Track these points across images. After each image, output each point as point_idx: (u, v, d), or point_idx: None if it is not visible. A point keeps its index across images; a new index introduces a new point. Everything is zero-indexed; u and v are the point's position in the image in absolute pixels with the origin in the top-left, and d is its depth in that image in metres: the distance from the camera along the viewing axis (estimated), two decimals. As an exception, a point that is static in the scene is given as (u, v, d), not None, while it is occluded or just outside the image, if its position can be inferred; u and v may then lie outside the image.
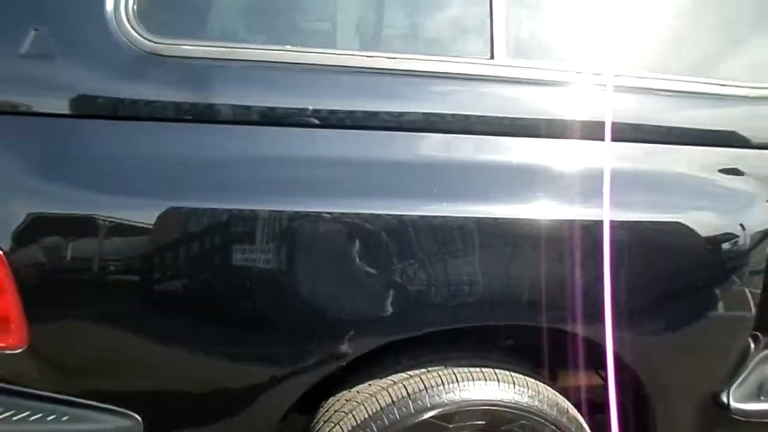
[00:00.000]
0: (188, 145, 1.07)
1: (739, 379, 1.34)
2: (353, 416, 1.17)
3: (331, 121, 1.11)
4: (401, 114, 1.15)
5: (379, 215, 1.07)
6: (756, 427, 1.34)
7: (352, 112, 1.13)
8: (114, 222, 1.02)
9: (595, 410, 1.35)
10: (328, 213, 1.06)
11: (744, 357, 1.34)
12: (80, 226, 1.03)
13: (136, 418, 1.08)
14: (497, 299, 1.14)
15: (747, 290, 1.28)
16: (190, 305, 1.07)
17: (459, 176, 1.15)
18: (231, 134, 1.08)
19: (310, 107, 1.08)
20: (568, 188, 1.18)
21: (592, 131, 1.18)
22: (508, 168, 1.17)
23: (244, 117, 1.08)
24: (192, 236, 1.03)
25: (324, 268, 1.08)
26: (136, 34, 1.06)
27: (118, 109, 1.06)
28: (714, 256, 1.26)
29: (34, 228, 1.02)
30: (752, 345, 1.35)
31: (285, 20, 1.21)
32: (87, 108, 1.06)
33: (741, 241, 1.25)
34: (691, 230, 1.21)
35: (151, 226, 1.02)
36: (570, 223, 1.15)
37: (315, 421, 1.22)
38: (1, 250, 1.00)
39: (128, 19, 1.06)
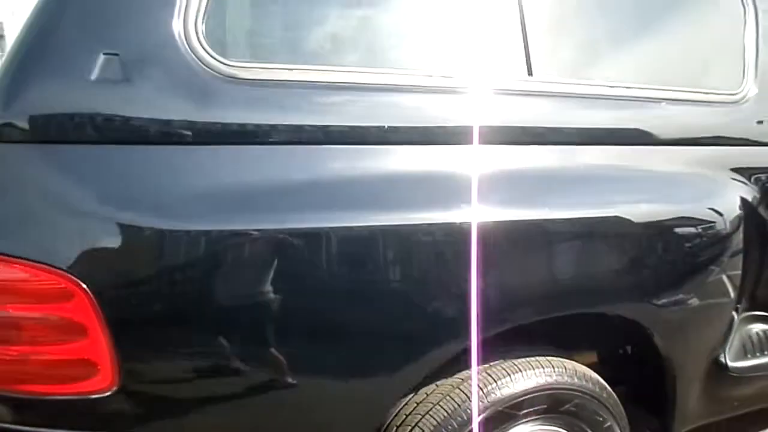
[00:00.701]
0: (273, 165, 1.07)
1: (729, 343, 1.56)
2: (432, 416, 1.22)
3: (400, 137, 1.17)
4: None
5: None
6: (748, 381, 1.57)
7: (416, 128, 1.19)
8: (210, 247, 1.00)
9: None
10: (414, 224, 1.11)
11: (731, 325, 1.57)
12: (170, 254, 1.00)
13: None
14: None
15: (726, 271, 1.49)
16: (317, 327, 1.07)
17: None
18: (311, 153, 1.10)
19: (386, 125, 1.13)
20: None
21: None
22: None
23: (324, 137, 1.11)
24: (294, 256, 1.04)
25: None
26: (210, 58, 1.05)
27: (198, 135, 1.04)
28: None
29: (121, 260, 0.98)
30: (735, 315, 1.58)
31: (353, 42, 1.25)
32: (165, 134, 1.03)
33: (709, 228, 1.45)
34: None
35: (252, 250, 1.02)
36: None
37: (391, 420, 1.25)
38: (85, 285, 0.95)
39: (199, 42, 1.05)
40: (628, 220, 1.31)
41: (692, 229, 1.40)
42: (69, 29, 1.00)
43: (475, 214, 1.10)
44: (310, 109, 1.11)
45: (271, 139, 1.07)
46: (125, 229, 0.98)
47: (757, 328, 1.63)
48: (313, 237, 1.05)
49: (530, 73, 1.31)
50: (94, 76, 0.99)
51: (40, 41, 0.99)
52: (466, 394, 1.23)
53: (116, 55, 1.00)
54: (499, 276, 1.19)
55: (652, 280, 1.36)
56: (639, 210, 1.33)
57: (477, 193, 1.10)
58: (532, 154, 1.29)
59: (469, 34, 1.29)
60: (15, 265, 0.94)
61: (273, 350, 1.04)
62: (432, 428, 1.20)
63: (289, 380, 1.06)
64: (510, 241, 1.20)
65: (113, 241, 0.98)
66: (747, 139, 1.62)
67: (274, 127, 1.08)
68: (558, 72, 1.38)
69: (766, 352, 1.61)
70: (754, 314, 1.63)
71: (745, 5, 1.65)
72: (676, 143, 1.49)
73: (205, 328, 1.02)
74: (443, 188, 1.16)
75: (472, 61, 1.27)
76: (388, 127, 1.13)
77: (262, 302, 1.03)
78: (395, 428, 1.24)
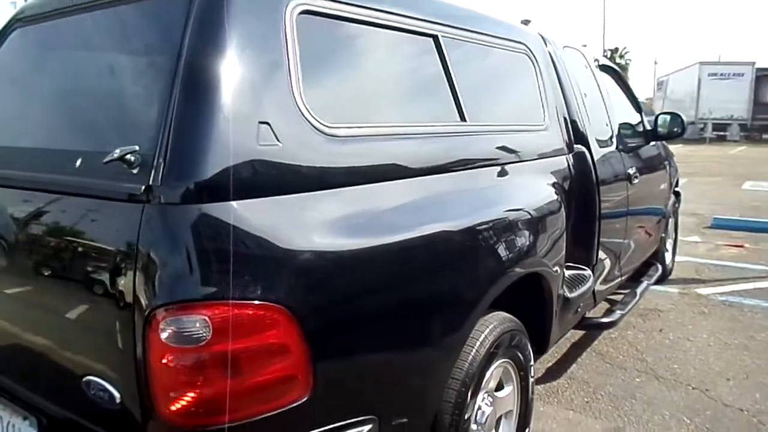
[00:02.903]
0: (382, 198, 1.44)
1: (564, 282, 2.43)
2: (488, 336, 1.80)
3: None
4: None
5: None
6: (572, 306, 2.47)
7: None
8: (368, 262, 1.36)
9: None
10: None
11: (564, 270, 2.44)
12: (347, 271, 1.31)
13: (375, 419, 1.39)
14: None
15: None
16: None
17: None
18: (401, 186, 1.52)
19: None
20: None
21: None
22: None
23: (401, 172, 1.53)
24: (406, 262, 1.42)
25: None
26: (317, 122, 1.34)
27: (323, 178, 1.34)
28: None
29: (311, 283, 1.24)
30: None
31: (406, 104, 1.63)
32: (309, 179, 1.31)
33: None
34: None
35: (387, 259, 1.39)
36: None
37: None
38: (289, 308, 1.17)
39: (309, 111, 1.33)
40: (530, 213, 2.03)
41: (547, 215, 2.19)
42: (237, 105, 1.19)
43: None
44: (374, 153, 1.50)
45: (366, 178, 1.44)
46: (310, 258, 1.24)
47: (570, 272, 2.55)
48: (437, 236, 1.56)
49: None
50: (260, 142, 1.21)
51: (214, 119, 1.15)
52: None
53: (267, 123, 1.23)
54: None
55: (543, 248, 2.10)
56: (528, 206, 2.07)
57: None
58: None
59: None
60: (239, 308, 1.12)
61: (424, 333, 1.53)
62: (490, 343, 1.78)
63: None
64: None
65: (303, 269, 1.23)
66: (548, 153, 2.51)
67: (364, 168, 1.45)
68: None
69: (578, 287, 2.53)
70: (569, 264, 2.54)
71: (533, 61, 2.53)
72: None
73: (377, 326, 1.35)
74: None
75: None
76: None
77: (422, 292, 1.49)
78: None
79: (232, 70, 1.21)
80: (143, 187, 1.11)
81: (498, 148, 2.08)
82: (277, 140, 1.25)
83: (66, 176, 1.27)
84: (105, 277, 1.17)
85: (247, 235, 1.17)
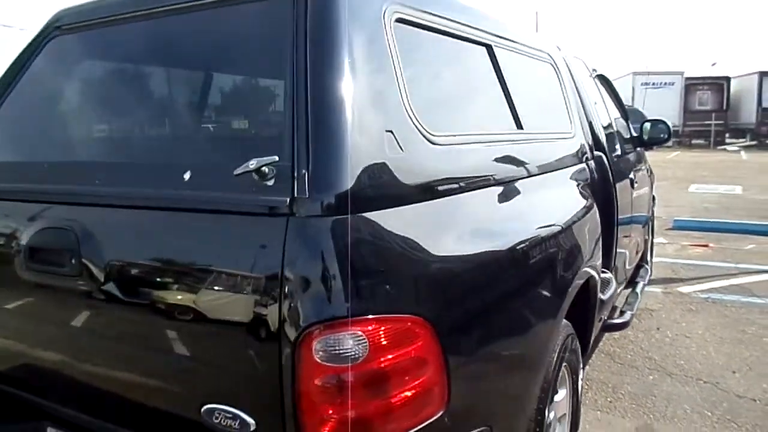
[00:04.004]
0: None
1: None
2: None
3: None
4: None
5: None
6: (605, 306, 2.52)
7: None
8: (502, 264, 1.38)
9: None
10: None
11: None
12: (470, 277, 1.29)
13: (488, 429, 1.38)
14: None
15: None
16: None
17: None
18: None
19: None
20: None
21: None
22: None
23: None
24: (516, 268, 1.42)
25: None
26: (426, 132, 1.32)
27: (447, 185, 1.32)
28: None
29: (445, 288, 1.21)
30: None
31: (481, 112, 1.62)
32: (433, 187, 1.29)
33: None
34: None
35: (501, 266, 1.40)
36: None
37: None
38: (427, 319, 1.13)
39: (418, 122, 1.31)
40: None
41: (591, 220, 2.24)
42: (367, 114, 1.15)
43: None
44: (468, 161, 1.49)
45: (469, 186, 1.42)
46: (441, 267, 1.22)
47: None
48: (538, 241, 1.61)
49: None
50: (387, 150, 1.17)
51: (351, 128, 1.12)
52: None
53: (391, 132, 1.20)
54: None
55: (593, 252, 2.13)
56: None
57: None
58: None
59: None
60: (390, 322, 1.07)
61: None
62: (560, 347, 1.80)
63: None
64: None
65: (436, 278, 1.20)
66: (578, 160, 2.56)
67: (465, 175, 1.44)
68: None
69: (607, 290, 2.58)
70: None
71: (556, 70, 2.59)
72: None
73: (494, 334, 1.33)
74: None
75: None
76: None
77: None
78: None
79: (358, 79, 1.18)
80: (288, 200, 1.06)
81: (546, 156, 2.11)
82: (401, 149, 1.22)
83: (175, 191, 1.18)
84: (240, 295, 1.10)
85: (390, 245, 1.13)
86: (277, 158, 1.07)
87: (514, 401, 1.51)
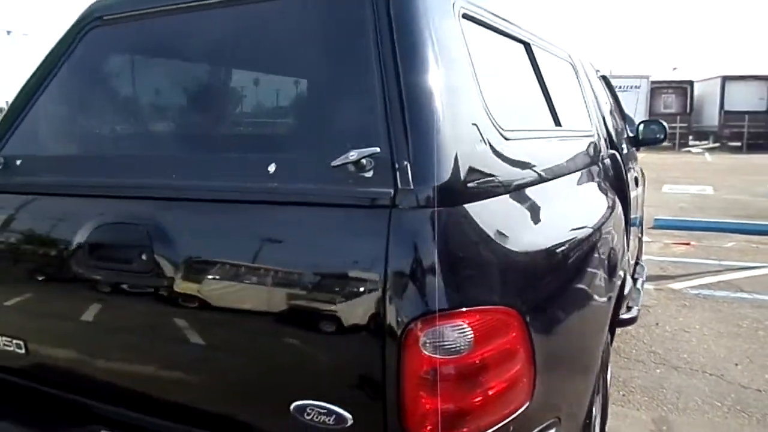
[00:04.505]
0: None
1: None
2: None
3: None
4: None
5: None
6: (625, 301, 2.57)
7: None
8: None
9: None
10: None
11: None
12: (549, 267, 1.31)
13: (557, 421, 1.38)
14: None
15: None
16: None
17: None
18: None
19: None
20: None
21: None
22: None
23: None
24: (585, 257, 1.46)
25: None
26: (501, 129, 1.33)
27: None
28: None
29: (531, 279, 1.23)
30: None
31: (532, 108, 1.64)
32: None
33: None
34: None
35: (575, 257, 1.44)
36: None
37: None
38: (518, 310, 1.13)
39: (495, 121, 1.32)
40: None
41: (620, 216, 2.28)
42: (458, 106, 1.15)
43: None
44: (533, 154, 1.51)
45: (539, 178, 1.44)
46: (527, 257, 1.24)
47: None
48: (601, 232, 1.66)
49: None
50: (477, 143, 1.18)
51: (447, 119, 1.11)
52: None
53: (476, 125, 1.21)
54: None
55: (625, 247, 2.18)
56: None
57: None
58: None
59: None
60: (491, 313, 1.07)
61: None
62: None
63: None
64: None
65: (524, 269, 1.22)
66: (600, 157, 2.61)
67: (534, 167, 1.46)
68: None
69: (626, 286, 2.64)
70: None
71: (574, 69, 2.63)
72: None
73: (568, 323, 1.34)
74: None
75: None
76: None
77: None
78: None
79: (445, 72, 1.18)
80: (392, 191, 1.05)
81: (580, 152, 2.14)
82: (485, 141, 1.23)
83: (262, 183, 1.15)
84: (338, 289, 1.08)
85: (486, 237, 1.13)
86: (378, 149, 1.06)
87: (578, 394, 1.53)
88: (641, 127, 4.20)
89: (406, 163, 1.06)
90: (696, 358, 3.37)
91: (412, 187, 1.05)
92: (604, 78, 3.83)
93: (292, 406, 1.14)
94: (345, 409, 1.10)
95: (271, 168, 1.16)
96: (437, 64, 1.17)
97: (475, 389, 1.07)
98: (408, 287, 1.03)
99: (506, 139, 1.36)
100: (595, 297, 1.56)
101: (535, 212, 1.36)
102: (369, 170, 1.07)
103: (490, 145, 1.25)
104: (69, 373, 1.46)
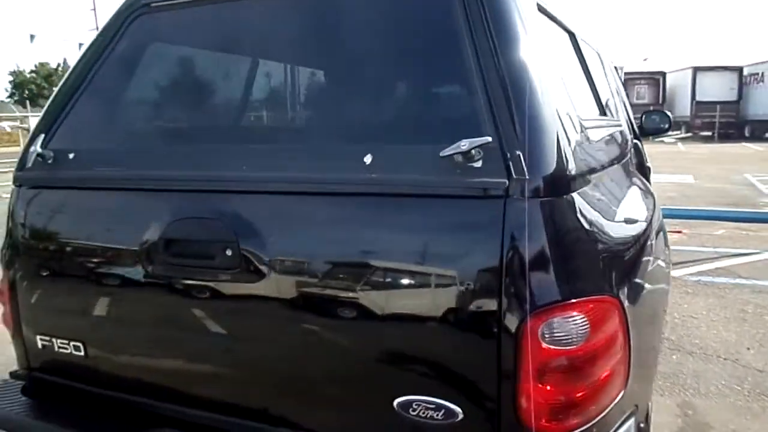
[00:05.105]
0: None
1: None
2: None
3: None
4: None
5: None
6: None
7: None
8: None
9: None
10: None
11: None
12: (635, 255, 1.33)
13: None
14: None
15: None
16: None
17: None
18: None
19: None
20: None
21: None
22: None
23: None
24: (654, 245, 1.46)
25: None
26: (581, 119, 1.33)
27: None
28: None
29: (626, 268, 1.24)
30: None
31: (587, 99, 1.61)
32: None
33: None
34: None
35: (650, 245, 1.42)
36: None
37: None
38: (618, 299, 1.13)
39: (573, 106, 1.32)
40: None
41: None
42: (556, 94, 1.14)
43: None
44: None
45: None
46: (623, 246, 1.26)
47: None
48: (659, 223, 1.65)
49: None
50: (573, 133, 1.17)
51: (553, 109, 1.10)
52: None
53: (569, 115, 1.20)
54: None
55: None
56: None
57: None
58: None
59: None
60: (602, 303, 1.07)
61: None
62: None
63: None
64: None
65: (621, 258, 1.22)
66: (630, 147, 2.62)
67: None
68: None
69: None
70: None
71: (600, 59, 2.64)
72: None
73: (647, 310, 1.35)
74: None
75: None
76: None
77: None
78: None
79: (540, 62, 1.16)
80: (506, 181, 1.03)
81: (621, 140, 2.15)
82: (578, 130, 1.22)
83: (360, 175, 1.12)
84: (449, 282, 1.05)
85: (591, 225, 1.12)
86: (490, 139, 1.04)
87: (648, 381, 1.54)
88: (644, 117, 4.25)
89: (518, 152, 1.04)
90: (708, 344, 3.44)
91: (527, 176, 1.03)
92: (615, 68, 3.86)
93: (395, 402, 1.12)
94: (454, 404, 1.08)
95: (368, 159, 1.13)
96: (531, 54, 1.15)
97: (587, 379, 1.07)
98: (525, 279, 1.02)
99: (584, 128, 1.35)
100: (664, 280, 1.58)
101: (616, 200, 1.36)
102: (478, 160, 1.05)
103: (581, 134, 1.25)
104: (139, 375, 1.41)
